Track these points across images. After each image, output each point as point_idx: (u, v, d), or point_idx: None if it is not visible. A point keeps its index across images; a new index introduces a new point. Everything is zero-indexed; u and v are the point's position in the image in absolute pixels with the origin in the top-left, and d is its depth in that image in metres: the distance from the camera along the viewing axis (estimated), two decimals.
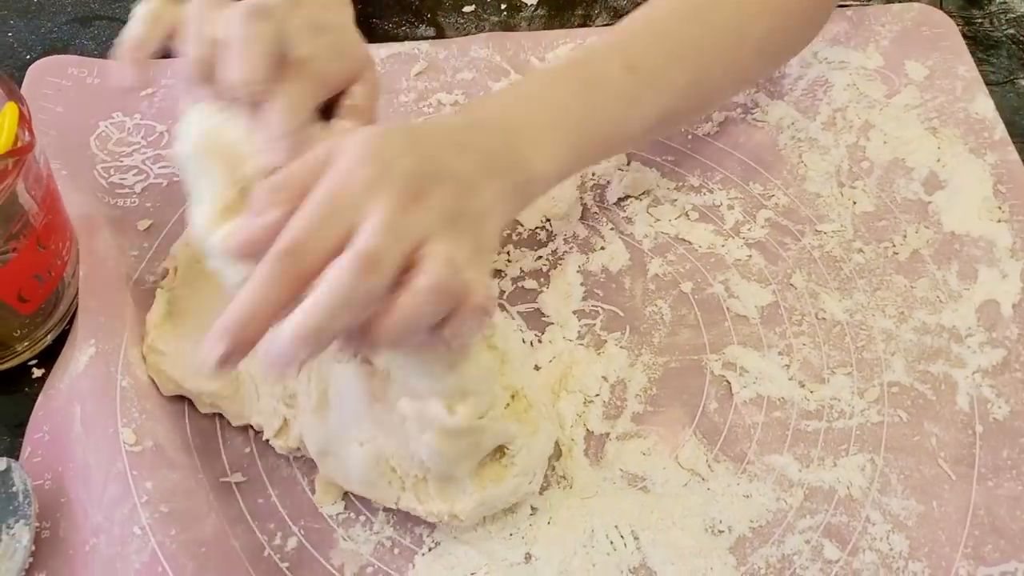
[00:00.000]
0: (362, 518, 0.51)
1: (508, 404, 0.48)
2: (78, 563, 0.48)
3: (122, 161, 0.64)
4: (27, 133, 0.49)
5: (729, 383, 0.56)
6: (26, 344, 0.55)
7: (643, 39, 0.55)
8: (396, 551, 0.50)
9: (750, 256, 0.61)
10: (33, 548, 0.48)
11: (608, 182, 0.64)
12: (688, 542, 0.50)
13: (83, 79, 0.68)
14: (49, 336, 0.56)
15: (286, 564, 0.49)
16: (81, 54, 0.70)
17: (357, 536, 0.51)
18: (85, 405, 0.52)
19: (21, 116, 0.49)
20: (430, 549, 0.50)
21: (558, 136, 0.49)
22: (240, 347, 0.38)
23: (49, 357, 0.56)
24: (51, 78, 0.67)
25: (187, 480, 0.50)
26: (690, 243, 0.62)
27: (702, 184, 0.64)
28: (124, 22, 0.46)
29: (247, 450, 0.53)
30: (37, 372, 0.56)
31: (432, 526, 0.50)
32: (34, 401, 0.54)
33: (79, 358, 0.53)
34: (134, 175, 0.64)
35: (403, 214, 0.39)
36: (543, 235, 0.62)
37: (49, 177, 0.53)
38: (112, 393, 0.52)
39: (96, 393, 0.52)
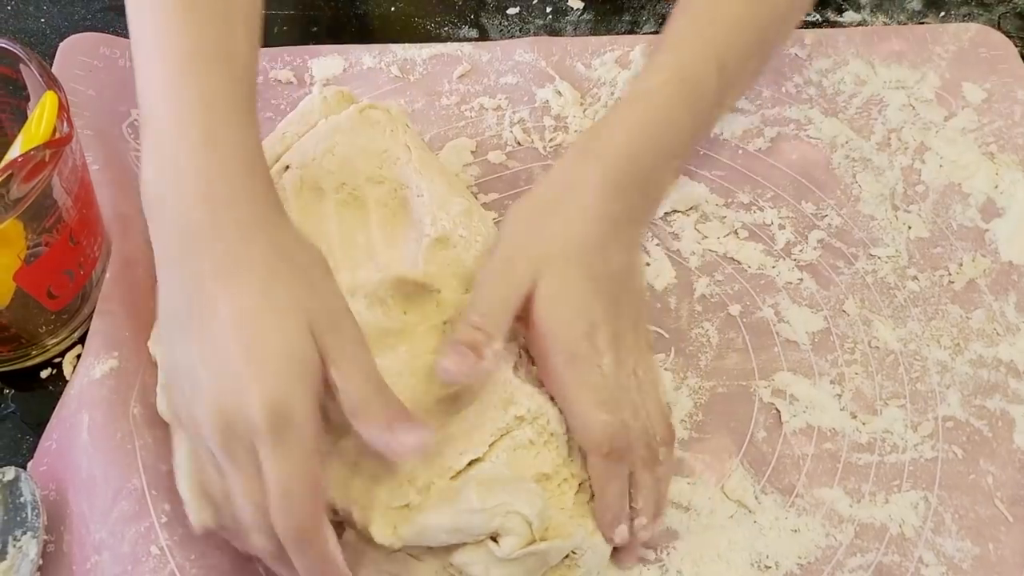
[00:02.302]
0: None
1: (577, 492, 0.46)
2: None
3: None
4: (65, 124, 0.47)
5: (778, 411, 0.54)
6: (52, 341, 0.53)
7: (725, 29, 0.53)
8: None
9: (801, 280, 0.59)
10: (40, 562, 0.46)
11: None
12: None
13: (115, 60, 0.66)
14: (76, 333, 0.54)
15: None
16: None
17: None
18: (95, 415, 0.49)
19: (60, 106, 0.47)
20: None
21: (676, 164, 0.52)
22: None
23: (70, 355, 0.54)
24: (82, 57, 0.65)
25: None
26: (739, 263, 0.60)
27: (752, 201, 0.62)
28: None
29: None
30: (51, 372, 0.54)
31: None
32: (57, 401, 0.52)
33: (95, 365, 0.51)
34: None
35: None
36: None
37: (83, 169, 0.51)
38: (127, 413, 0.50)
39: (110, 405, 0.50)
